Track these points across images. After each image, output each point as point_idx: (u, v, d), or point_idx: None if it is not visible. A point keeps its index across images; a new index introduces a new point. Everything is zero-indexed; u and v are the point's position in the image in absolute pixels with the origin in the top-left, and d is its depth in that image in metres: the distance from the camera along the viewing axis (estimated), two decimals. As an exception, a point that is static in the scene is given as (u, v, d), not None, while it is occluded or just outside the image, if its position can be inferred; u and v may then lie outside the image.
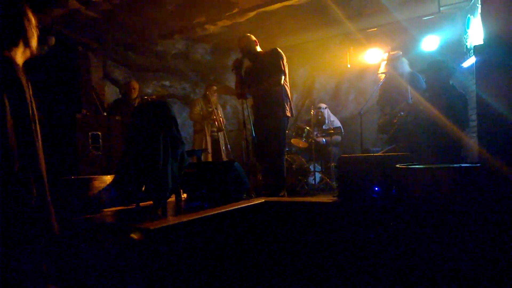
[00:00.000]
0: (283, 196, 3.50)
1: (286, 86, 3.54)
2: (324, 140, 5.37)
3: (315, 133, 5.33)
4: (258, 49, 3.64)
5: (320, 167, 5.31)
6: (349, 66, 5.51)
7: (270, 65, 3.47)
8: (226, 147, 5.21)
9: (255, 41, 3.64)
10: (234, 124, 6.76)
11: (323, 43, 5.87)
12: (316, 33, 5.71)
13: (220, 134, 5.23)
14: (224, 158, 5.18)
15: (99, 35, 5.10)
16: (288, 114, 3.55)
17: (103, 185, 2.74)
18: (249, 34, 3.64)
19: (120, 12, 4.60)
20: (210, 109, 5.13)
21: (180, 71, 6.31)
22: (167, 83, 6.39)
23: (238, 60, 3.60)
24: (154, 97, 5.02)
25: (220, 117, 5.17)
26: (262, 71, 3.52)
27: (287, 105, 3.53)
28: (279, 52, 3.48)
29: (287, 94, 3.56)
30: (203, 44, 6.02)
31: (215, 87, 5.29)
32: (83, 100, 4.87)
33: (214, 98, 5.29)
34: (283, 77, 3.43)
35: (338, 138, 5.39)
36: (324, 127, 5.44)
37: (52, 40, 4.84)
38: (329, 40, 5.78)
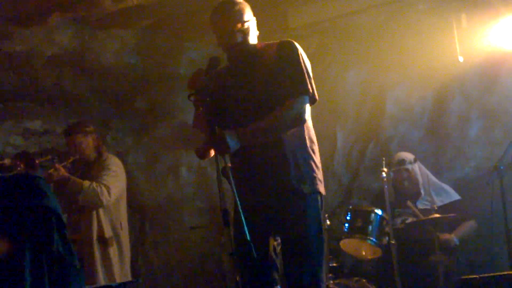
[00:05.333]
0: None
1: (310, 126, 2.63)
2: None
3: (398, 219, 4.11)
4: (254, 38, 2.59)
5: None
6: (461, 59, 4.20)
7: (279, 75, 2.50)
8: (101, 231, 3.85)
9: (254, 18, 2.62)
10: (202, 214, 5.22)
11: (396, 12, 4.51)
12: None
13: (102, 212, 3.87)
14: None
15: None
16: (322, 188, 2.58)
17: None
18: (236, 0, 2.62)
19: None
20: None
21: (65, 95, 4.82)
22: (37, 124, 4.82)
23: (203, 70, 2.43)
24: (6, 162, 3.78)
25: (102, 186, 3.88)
26: (260, 90, 2.54)
27: (318, 168, 2.58)
28: (296, 47, 2.55)
29: (315, 142, 2.64)
30: (118, 32, 4.57)
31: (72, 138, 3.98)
32: None
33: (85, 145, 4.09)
34: (308, 104, 2.52)
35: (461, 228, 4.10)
36: (419, 204, 4.13)
37: None
38: (412, 3, 4.40)
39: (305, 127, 2.58)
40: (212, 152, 2.55)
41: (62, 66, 4.70)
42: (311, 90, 2.50)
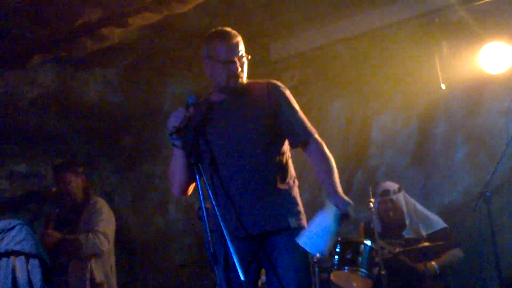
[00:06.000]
0: None
1: (290, 160, 2.70)
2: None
3: (386, 249, 3.95)
4: (245, 75, 2.57)
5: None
6: (443, 86, 4.28)
7: (276, 117, 2.50)
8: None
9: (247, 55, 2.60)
10: (192, 251, 5.19)
11: (377, 41, 4.54)
12: (358, 21, 4.37)
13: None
14: None
15: None
16: (305, 222, 2.58)
17: None
18: (234, 32, 2.52)
19: None
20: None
21: (50, 136, 4.85)
22: (22, 166, 4.80)
23: (183, 109, 2.45)
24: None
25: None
26: (250, 125, 2.51)
27: (300, 201, 2.63)
28: (286, 90, 2.57)
29: (295, 175, 2.68)
30: (100, 71, 4.69)
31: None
32: None
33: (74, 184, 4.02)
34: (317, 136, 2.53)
35: (449, 259, 3.98)
36: (405, 234, 4.09)
37: None
38: (392, 33, 4.42)
39: (287, 159, 2.58)
40: (191, 189, 2.50)
41: (46, 107, 4.71)
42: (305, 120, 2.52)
